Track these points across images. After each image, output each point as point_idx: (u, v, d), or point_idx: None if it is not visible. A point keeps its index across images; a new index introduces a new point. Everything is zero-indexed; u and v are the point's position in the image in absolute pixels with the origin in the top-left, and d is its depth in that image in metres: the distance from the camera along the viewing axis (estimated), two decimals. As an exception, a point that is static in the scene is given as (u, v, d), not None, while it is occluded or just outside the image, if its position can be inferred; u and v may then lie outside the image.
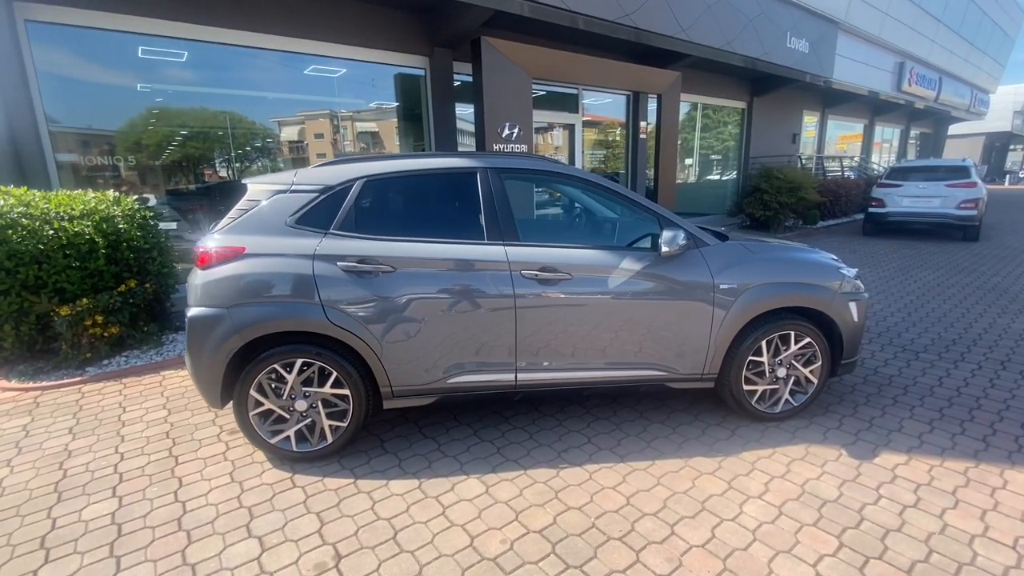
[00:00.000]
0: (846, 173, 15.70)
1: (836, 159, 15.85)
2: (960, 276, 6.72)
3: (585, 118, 9.61)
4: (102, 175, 5.35)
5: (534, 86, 8.47)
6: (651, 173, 10.61)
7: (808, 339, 2.93)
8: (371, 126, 7.34)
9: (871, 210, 10.02)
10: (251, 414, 2.59)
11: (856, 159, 17.69)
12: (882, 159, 20.12)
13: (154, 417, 3.26)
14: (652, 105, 9.87)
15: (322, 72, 6.53)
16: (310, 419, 2.66)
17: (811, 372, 3.01)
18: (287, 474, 2.63)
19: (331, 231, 2.59)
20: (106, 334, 4.12)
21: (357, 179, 2.66)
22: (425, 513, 2.31)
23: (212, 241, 2.57)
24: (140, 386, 3.73)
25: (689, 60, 9.49)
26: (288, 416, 2.64)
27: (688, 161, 12.55)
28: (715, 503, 2.34)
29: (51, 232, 3.97)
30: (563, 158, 9.61)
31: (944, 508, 2.28)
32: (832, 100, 15.36)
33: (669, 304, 2.77)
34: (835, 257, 3.23)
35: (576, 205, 3.70)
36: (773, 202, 10.23)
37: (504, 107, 7.18)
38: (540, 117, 8.94)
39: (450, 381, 2.71)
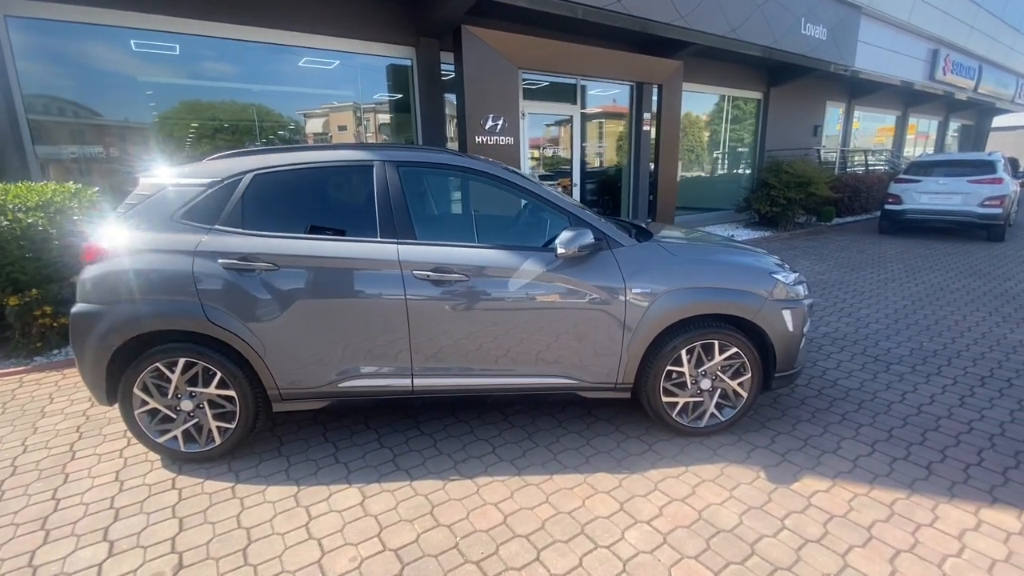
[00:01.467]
0: (872, 167, 14.88)
1: (861, 152, 15.02)
2: (970, 279, 6.22)
3: (585, 110, 9.32)
4: (89, 166, 5.44)
5: (529, 77, 8.27)
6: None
7: (735, 349, 2.69)
8: (368, 118, 7.27)
9: (887, 207, 9.43)
10: (137, 412, 2.53)
11: (886, 153, 16.74)
12: (917, 153, 19.01)
13: (75, 410, 3.25)
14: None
15: (315, 65, 6.49)
16: (197, 419, 2.59)
17: (740, 385, 2.77)
18: (172, 475, 2.56)
19: (216, 227, 2.49)
20: (55, 324, 4.17)
21: (246, 172, 2.56)
22: (288, 523, 2.20)
23: (97, 236, 2.51)
24: (77, 377, 3.75)
25: (694, 48, 9.08)
26: (175, 416, 2.57)
27: (716, 153, 12.12)
28: (597, 527, 2.16)
29: (5, 223, 4.03)
30: (561, 151, 9.36)
31: (851, 546, 2.04)
32: (859, 90, 14.55)
33: (575, 309, 2.57)
34: (779, 260, 2.97)
35: (521, 202, 3.49)
36: (781, 198, 9.73)
37: (487, 98, 6.99)
38: (535, 108, 8.71)
39: (342, 385, 2.59)
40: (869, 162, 15.17)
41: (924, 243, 8.77)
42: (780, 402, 3.21)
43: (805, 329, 2.82)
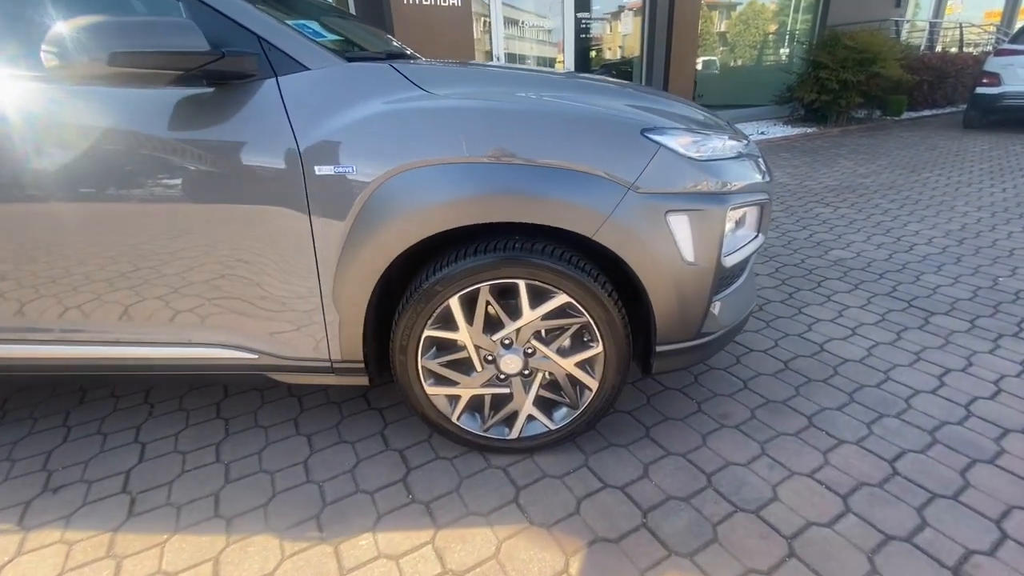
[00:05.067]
0: (968, 47, 11.70)
1: (955, 26, 11.77)
2: (1089, 183, 4.27)
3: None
4: None
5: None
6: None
7: (564, 297, 1.29)
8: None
9: (979, 91, 7.03)
10: None
11: (991, 28, 13.19)
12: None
13: None
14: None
15: None
16: None
17: (583, 366, 1.39)
18: None
19: None
20: None
21: None
22: None
23: None
24: None
25: None
26: None
27: (761, 36, 9.62)
28: None
29: None
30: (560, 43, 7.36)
31: None
32: (965, -60, 11.08)
33: (205, 210, 1.22)
34: (705, 113, 1.45)
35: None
36: (833, 81, 7.44)
37: (417, -62, 5.16)
38: (507, -34, 6.70)
39: None
40: (966, 40, 11.93)
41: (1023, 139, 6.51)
42: (702, 382, 1.82)
43: (733, 258, 1.36)
